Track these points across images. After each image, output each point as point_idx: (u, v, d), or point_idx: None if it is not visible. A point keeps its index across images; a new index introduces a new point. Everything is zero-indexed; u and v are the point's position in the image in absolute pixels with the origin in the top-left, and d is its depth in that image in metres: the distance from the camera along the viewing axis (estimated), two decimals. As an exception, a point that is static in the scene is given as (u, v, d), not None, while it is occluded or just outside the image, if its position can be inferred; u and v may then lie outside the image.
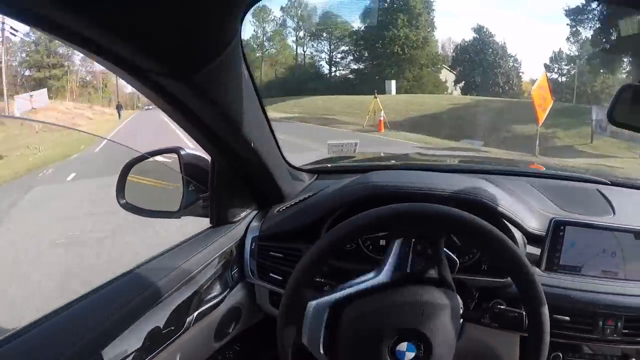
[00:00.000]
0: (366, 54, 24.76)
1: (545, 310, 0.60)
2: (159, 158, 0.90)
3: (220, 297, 0.85)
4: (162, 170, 0.90)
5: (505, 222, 0.82)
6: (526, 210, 0.88)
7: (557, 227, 0.83)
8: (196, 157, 0.87)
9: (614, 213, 0.92)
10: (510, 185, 0.95)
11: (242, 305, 0.93)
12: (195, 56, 0.51)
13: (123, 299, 0.64)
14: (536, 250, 0.85)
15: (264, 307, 0.95)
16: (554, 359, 0.84)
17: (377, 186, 0.83)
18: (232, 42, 0.54)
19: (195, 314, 0.78)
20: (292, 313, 0.63)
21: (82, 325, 0.57)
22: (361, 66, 25.12)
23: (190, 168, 0.87)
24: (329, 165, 1.15)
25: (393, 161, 1.16)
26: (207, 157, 0.85)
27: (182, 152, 0.86)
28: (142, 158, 0.89)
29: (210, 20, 0.47)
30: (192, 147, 0.88)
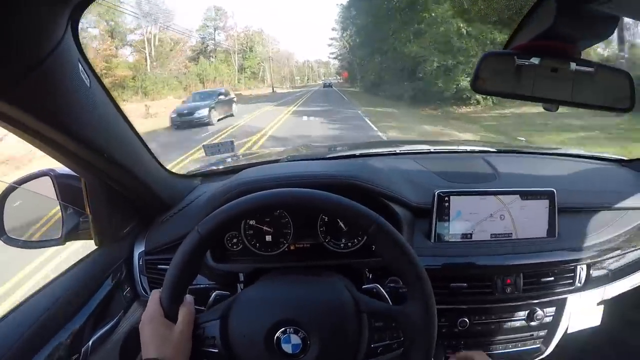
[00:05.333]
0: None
1: (425, 277, 0.57)
2: (31, 184, 0.83)
3: (115, 320, 0.81)
4: (35, 199, 0.84)
5: (386, 200, 0.83)
6: (410, 186, 0.90)
7: (441, 199, 0.86)
8: (70, 176, 0.81)
9: (498, 178, 0.96)
10: (395, 164, 0.97)
11: None
12: (13, 67, 0.42)
13: (13, 337, 0.60)
14: (426, 224, 0.87)
15: None
16: (460, 325, 0.86)
17: (246, 182, 0.81)
18: (61, 41, 0.46)
19: (91, 342, 0.73)
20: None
21: None
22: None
23: (66, 189, 0.82)
24: (214, 168, 1.13)
25: (279, 157, 1.16)
26: None
27: (54, 174, 0.81)
28: (11, 189, 0.82)
29: (28, 19, 0.39)
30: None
